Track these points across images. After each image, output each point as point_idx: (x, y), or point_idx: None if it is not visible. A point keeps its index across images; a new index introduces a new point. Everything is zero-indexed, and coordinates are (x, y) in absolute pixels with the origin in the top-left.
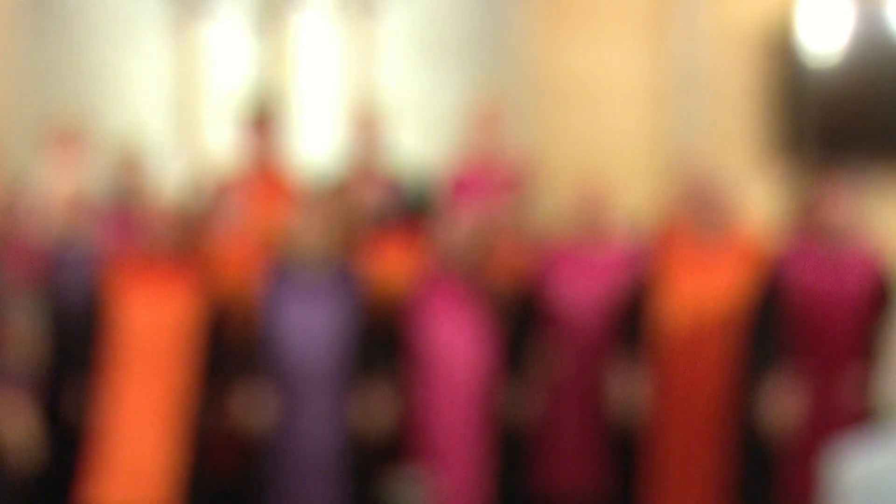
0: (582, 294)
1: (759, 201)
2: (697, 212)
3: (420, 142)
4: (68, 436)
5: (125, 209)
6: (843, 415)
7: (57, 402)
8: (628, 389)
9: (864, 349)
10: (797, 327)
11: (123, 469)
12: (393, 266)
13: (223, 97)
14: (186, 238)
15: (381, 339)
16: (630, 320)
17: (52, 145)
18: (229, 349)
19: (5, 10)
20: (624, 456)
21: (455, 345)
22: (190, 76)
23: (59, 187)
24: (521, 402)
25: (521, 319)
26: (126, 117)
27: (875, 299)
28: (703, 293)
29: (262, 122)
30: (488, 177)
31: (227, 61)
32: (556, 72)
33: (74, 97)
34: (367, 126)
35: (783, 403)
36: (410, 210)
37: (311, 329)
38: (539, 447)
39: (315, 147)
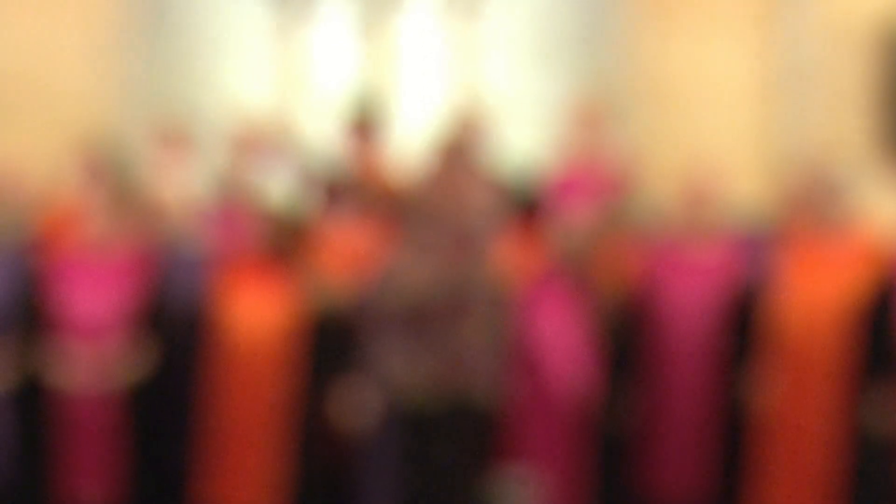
0: (687, 294)
1: (871, 200)
2: (813, 210)
3: (524, 141)
4: (174, 435)
5: (228, 209)
6: None
7: (166, 404)
8: (742, 389)
9: None
10: None
11: (231, 470)
12: (500, 266)
13: (327, 100)
14: (290, 240)
15: None
16: (743, 320)
17: (160, 147)
18: (332, 351)
19: (115, 14)
20: (731, 457)
21: (556, 345)
22: (294, 79)
23: (166, 189)
24: (624, 403)
25: (625, 320)
26: (232, 120)
27: None
28: (818, 293)
29: (366, 125)
30: (591, 177)
31: (332, 65)
32: (661, 70)
33: (182, 100)
34: (471, 127)
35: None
36: (514, 210)
37: None
38: (643, 449)
39: (419, 148)
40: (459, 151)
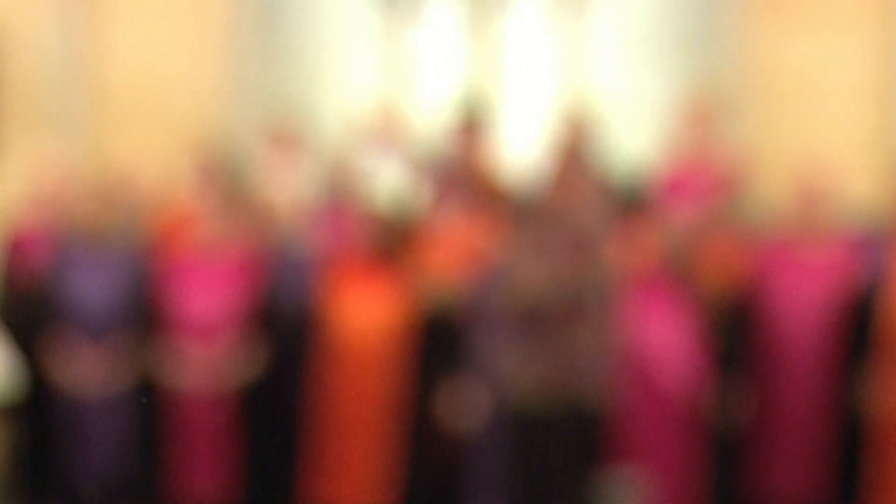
0: (800, 294)
1: None
2: None
3: (635, 141)
4: (285, 434)
5: (336, 211)
6: None
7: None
8: (857, 390)
9: None
10: None
11: (340, 469)
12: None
13: (435, 100)
14: (397, 241)
15: None
16: (857, 320)
17: (271, 149)
18: (440, 349)
19: (227, 17)
20: (846, 460)
21: (665, 345)
22: (402, 79)
23: (277, 190)
24: (735, 403)
25: (736, 320)
26: (340, 121)
27: None
28: None
29: (473, 124)
30: (701, 175)
31: (439, 64)
32: (774, 66)
33: (290, 101)
34: (579, 126)
35: None
36: (623, 209)
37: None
38: (755, 449)
39: (527, 148)
40: (576, 153)
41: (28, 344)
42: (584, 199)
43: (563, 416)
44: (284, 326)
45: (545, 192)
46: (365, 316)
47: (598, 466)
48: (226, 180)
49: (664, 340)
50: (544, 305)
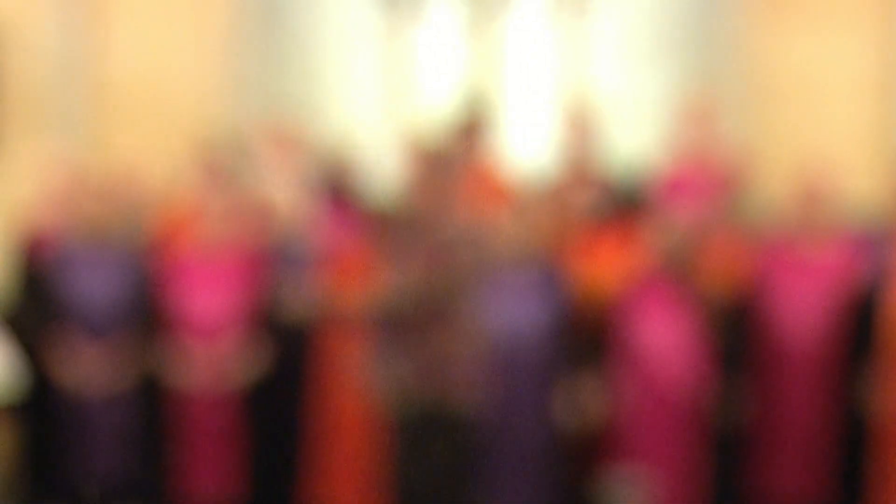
0: (801, 294)
1: None
2: None
3: (634, 139)
4: (288, 434)
5: (337, 210)
6: None
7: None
8: (859, 390)
9: None
10: None
11: (346, 469)
12: (606, 264)
13: (435, 100)
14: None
15: (590, 337)
16: (859, 320)
17: (271, 147)
18: None
19: (228, 17)
20: (848, 460)
21: (665, 346)
22: (402, 79)
23: (277, 189)
24: (737, 403)
25: (736, 321)
26: (340, 120)
27: None
28: None
29: (474, 125)
30: (701, 175)
31: (440, 64)
32: (775, 65)
33: (291, 100)
34: (580, 126)
35: None
36: (624, 209)
37: (518, 327)
38: (757, 450)
39: (528, 148)
40: (442, 158)
41: (31, 343)
42: (449, 204)
43: (428, 422)
44: (288, 326)
45: (409, 197)
46: None
47: (595, 463)
48: (228, 179)
49: (665, 340)
50: (407, 311)
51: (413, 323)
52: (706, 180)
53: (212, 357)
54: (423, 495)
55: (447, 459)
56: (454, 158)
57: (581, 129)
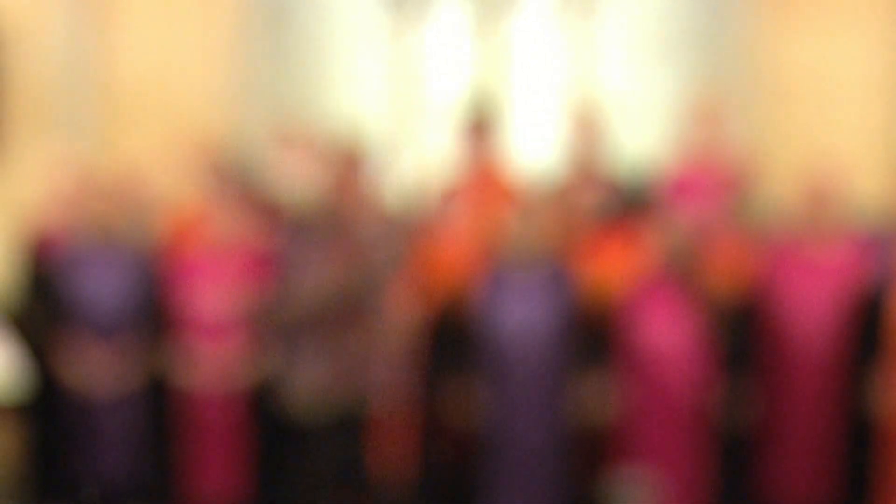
0: (808, 295)
1: None
2: None
3: (641, 140)
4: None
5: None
6: None
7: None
8: (866, 392)
9: None
10: None
11: None
12: (612, 265)
13: (442, 101)
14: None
15: (597, 338)
16: (866, 321)
17: (278, 148)
18: (449, 349)
19: (234, 18)
20: (855, 462)
21: (669, 346)
22: (409, 80)
23: (285, 189)
24: (743, 404)
25: (742, 321)
26: (347, 121)
27: None
28: None
29: (481, 126)
30: (708, 175)
31: (446, 65)
32: (783, 66)
33: (298, 102)
34: (587, 126)
35: None
36: (630, 209)
37: (525, 327)
38: (763, 451)
39: (535, 148)
40: (354, 161)
41: (38, 343)
42: (362, 205)
43: (338, 422)
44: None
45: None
46: None
47: (601, 462)
48: (236, 180)
49: (670, 341)
50: (318, 313)
51: (328, 323)
52: (713, 181)
53: (218, 357)
54: (328, 496)
55: (358, 460)
56: (369, 159)
57: (588, 129)
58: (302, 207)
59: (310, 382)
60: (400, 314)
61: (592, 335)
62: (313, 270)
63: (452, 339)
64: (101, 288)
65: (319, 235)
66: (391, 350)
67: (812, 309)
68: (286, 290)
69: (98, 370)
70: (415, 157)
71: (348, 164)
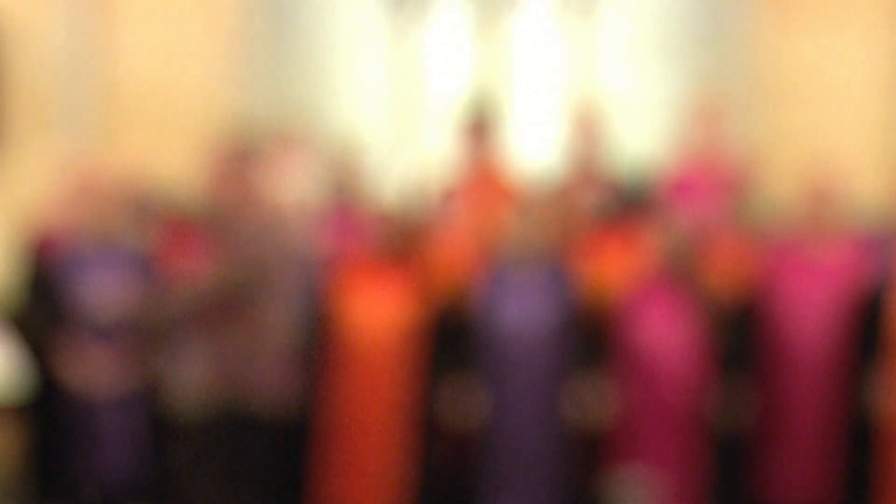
0: (808, 295)
1: None
2: None
3: (641, 140)
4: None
5: (343, 211)
6: None
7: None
8: (866, 392)
9: None
10: None
11: (351, 469)
12: (612, 264)
13: (442, 101)
14: (406, 241)
15: (596, 338)
16: (867, 322)
17: (279, 150)
18: (449, 349)
19: (236, 19)
20: (854, 463)
21: (668, 346)
22: (410, 81)
23: (284, 190)
24: (741, 404)
25: (743, 321)
26: (347, 122)
27: None
28: None
29: (481, 126)
30: (709, 175)
31: (446, 66)
32: (783, 66)
33: (297, 102)
34: (587, 126)
35: None
36: (630, 209)
37: (525, 327)
38: (761, 451)
39: (535, 148)
40: (241, 154)
41: (37, 343)
42: (250, 199)
43: (229, 423)
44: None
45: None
46: (375, 316)
47: (600, 462)
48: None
49: (668, 341)
50: (199, 309)
51: (210, 320)
52: (713, 181)
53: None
54: (218, 498)
55: (246, 461)
56: (257, 154)
57: (588, 129)
58: (187, 203)
59: (193, 380)
60: (287, 309)
61: (591, 335)
62: (195, 267)
63: (452, 338)
64: (101, 288)
65: (203, 231)
66: (278, 346)
67: (812, 309)
68: (168, 287)
69: (97, 370)
70: (415, 157)
71: (235, 158)
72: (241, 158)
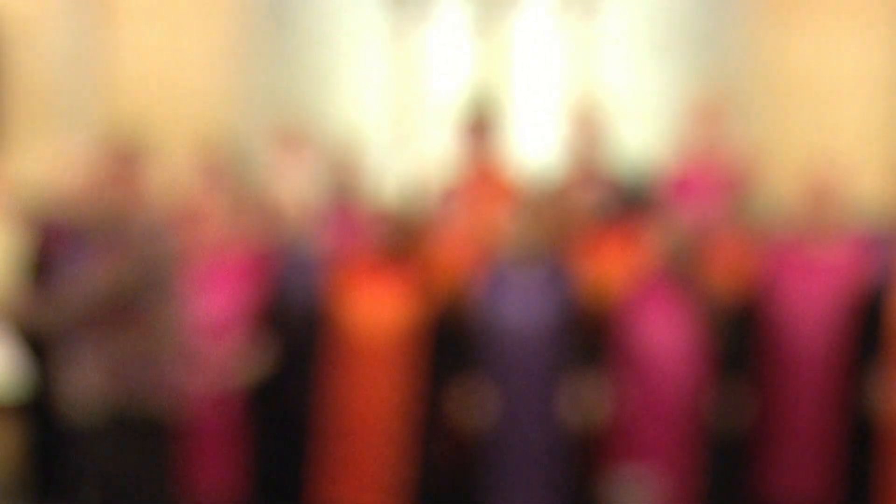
0: (809, 294)
1: None
2: None
3: (641, 138)
4: (294, 433)
5: (343, 210)
6: None
7: (283, 402)
8: (867, 392)
9: None
10: None
11: (350, 468)
12: (612, 264)
13: (443, 101)
14: (406, 240)
15: (595, 337)
16: (867, 321)
17: (279, 150)
18: (449, 348)
19: (236, 19)
20: (855, 463)
21: (667, 346)
22: (410, 80)
23: (285, 190)
24: (740, 405)
25: (743, 320)
26: (348, 121)
27: None
28: None
29: (481, 125)
30: (709, 174)
31: (446, 65)
32: (783, 65)
33: (299, 102)
34: (587, 125)
35: None
36: (630, 208)
37: (524, 326)
38: (763, 452)
39: (535, 148)
40: (129, 156)
41: (36, 343)
42: (138, 200)
43: (116, 425)
44: (294, 325)
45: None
46: (375, 315)
47: (599, 461)
48: (232, 180)
49: (667, 341)
50: (89, 313)
51: (101, 323)
52: (713, 180)
53: (217, 356)
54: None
55: (139, 464)
56: (144, 155)
57: (588, 128)
58: (76, 206)
59: (84, 384)
60: (179, 311)
61: (591, 334)
62: (85, 270)
63: (451, 338)
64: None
65: (93, 234)
66: (171, 348)
67: (812, 308)
68: (57, 291)
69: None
70: (415, 156)
71: (123, 160)
72: (127, 160)
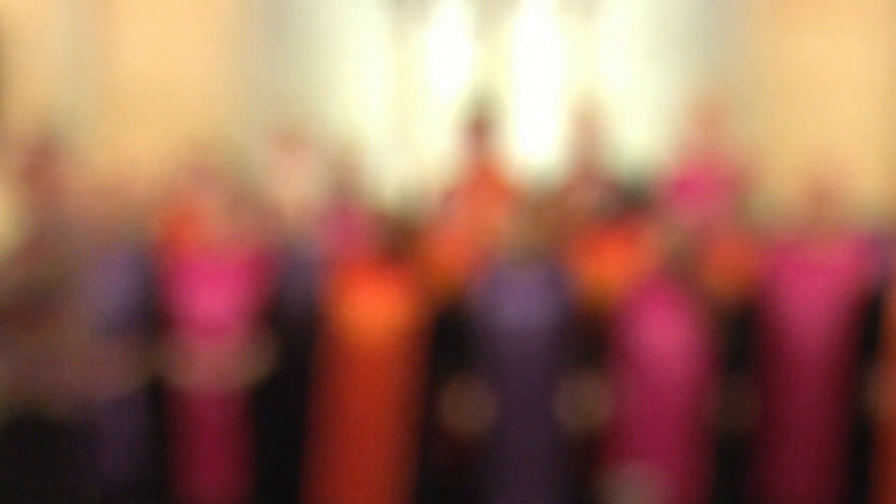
0: (809, 295)
1: None
2: None
3: (641, 139)
4: (292, 434)
5: (343, 211)
6: None
7: (281, 402)
8: (867, 393)
9: None
10: None
11: (348, 468)
12: (612, 264)
13: (443, 101)
14: (405, 240)
15: (595, 338)
16: (868, 321)
17: (278, 150)
18: (447, 349)
19: (235, 19)
20: (856, 463)
21: (668, 347)
22: (410, 80)
23: (284, 190)
24: (741, 405)
25: (744, 321)
26: (347, 121)
27: None
28: None
29: (481, 125)
30: (709, 175)
31: (447, 65)
32: (784, 65)
33: (299, 102)
34: (587, 125)
35: None
36: (631, 208)
37: (524, 326)
38: (762, 452)
39: (535, 148)
40: (47, 149)
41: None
42: (53, 194)
43: (25, 425)
44: (293, 325)
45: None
46: (373, 315)
47: (599, 462)
48: (228, 180)
49: (668, 341)
50: (8, 310)
51: (8, 320)
52: (713, 180)
53: (216, 356)
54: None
55: (44, 466)
56: (59, 149)
57: (588, 128)
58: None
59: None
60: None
61: (590, 335)
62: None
63: (451, 338)
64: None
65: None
66: (81, 347)
67: (813, 309)
68: None
69: (97, 370)
70: (415, 157)
71: (40, 153)
72: (42, 154)
